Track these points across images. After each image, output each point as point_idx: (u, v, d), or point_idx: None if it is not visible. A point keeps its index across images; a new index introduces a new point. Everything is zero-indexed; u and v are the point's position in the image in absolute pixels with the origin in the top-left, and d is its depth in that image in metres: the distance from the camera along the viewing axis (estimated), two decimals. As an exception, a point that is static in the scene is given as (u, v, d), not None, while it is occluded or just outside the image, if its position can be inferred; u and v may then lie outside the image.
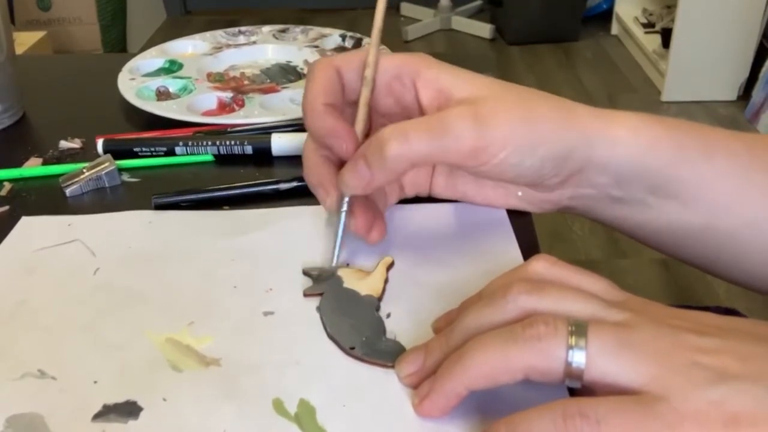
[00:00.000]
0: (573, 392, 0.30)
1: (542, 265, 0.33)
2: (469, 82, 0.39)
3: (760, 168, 0.38)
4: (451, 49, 2.84)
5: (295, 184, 0.48)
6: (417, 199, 0.47)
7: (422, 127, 0.36)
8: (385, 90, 0.41)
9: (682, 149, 0.38)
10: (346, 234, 0.40)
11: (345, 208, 0.40)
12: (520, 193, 0.43)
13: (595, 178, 0.39)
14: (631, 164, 0.38)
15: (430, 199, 0.47)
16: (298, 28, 0.76)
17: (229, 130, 0.56)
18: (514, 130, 0.37)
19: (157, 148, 0.54)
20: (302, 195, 0.48)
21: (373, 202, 0.42)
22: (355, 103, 0.41)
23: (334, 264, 0.40)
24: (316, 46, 0.71)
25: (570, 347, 0.28)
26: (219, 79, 0.67)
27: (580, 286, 0.32)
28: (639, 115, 0.39)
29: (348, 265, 0.41)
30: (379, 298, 0.38)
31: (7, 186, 0.51)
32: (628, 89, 2.46)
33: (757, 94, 2.17)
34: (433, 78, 0.39)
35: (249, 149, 0.53)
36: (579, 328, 0.28)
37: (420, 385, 0.32)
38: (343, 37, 0.73)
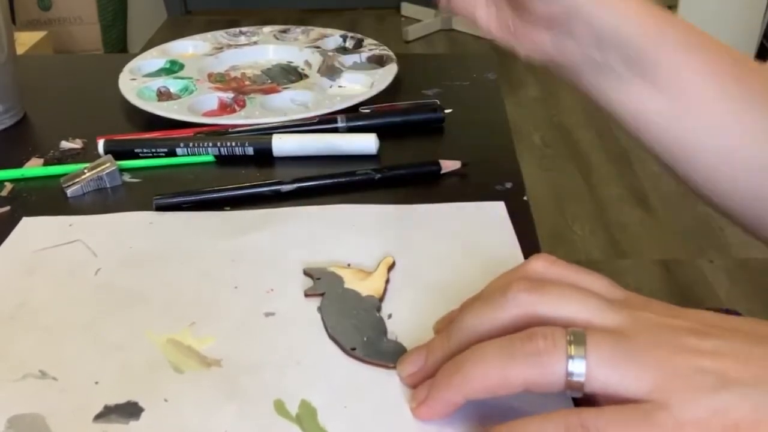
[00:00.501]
0: (575, 399, 0.30)
1: (542, 264, 0.33)
2: None
3: (735, 79, 0.38)
4: (451, 50, 2.84)
5: (296, 185, 0.48)
6: (417, 199, 0.47)
7: None
8: None
9: (664, 34, 0.38)
10: None
11: None
12: (510, 22, 0.42)
13: (578, 29, 0.39)
14: (612, 28, 0.38)
15: (430, 199, 0.47)
16: (299, 29, 0.76)
17: (230, 130, 0.56)
18: None
19: (158, 149, 0.54)
20: (303, 196, 0.48)
21: None
22: None
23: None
24: (317, 47, 0.71)
25: (569, 357, 0.27)
26: (220, 80, 0.67)
27: (580, 284, 0.31)
28: None
29: (349, 265, 0.41)
30: (380, 299, 0.38)
31: (8, 186, 0.51)
32: (629, 89, 2.46)
33: (757, 94, 2.17)
34: None
35: (250, 150, 0.53)
36: (577, 338, 0.28)
37: (419, 386, 0.32)
38: (344, 38, 0.73)
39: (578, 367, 0.27)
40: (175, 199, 0.47)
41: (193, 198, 0.48)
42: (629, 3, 0.38)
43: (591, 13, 0.38)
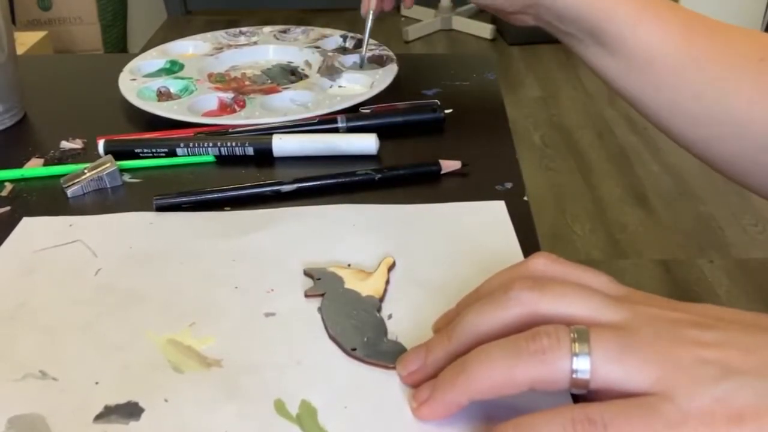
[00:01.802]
0: (577, 396, 0.30)
1: (542, 262, 0.33)
2: None
3: (686, 40, 0.44)
4: (451, 50, 2.84)
5: (296, 186, 0.48)
6: (417, 199, 0.47)
7: None
8: None
9: (612, 9, 0.45)
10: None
11: (371, 16, 0.62)
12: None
13: (543, 15, 0.49)
14: (569, 12, 0.47)
15: (430, 199, 0.47)
16: (299, 29, 0.76)
17: (230, 130, 0.56)
18: None
19: (158, 149, 0.54)
20: (303, 196, 0.48)
21: None
22: None
23: (364, 53, 0.65)
24: (317, 47, 0.71)
25: (574, 355, 0.28)
26: (220, 80, 0.67)
27: (581, 281, 0.32)
28: None
29: (349, 265, 0.41)
30: (381, 299, 0.38)
31: (8, 187, 0.51)
32: (629, 89, 2.46)
33: (757, 94, 2.17)
34: None
35: (250, 150, 0.53)
36: (581, 336, 0.28)
37: (420, 385, 0.32)
38: (344, 38, 0.73)
39: (583, 365, 0.27)
40: (175, 200, 0.47)
41: (193, 198, 0.48)
42: None
43: (551, 2, 0.48)
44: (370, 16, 0.62)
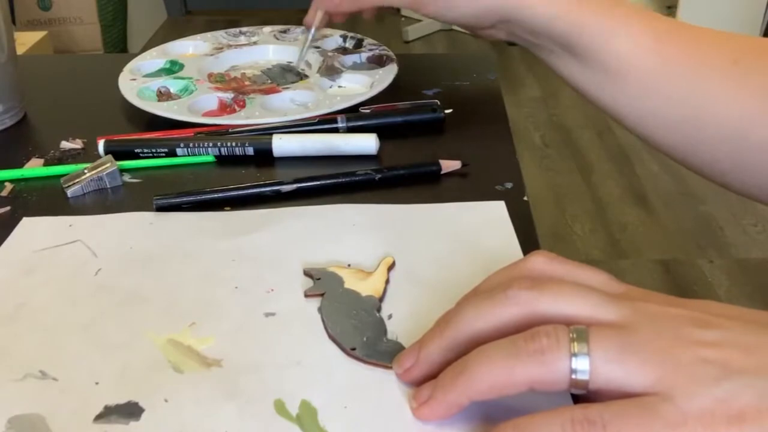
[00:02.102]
0: (576, 396, 0.30)
1: (540, 261, 0.33)
2: None
3: (658, 49, 0.44)
4: (451, 50, 2.84)
5: (296, 186, 0.48)
6: (417, 199, 0.47)
7: None
8: None
9: (584, 23, 0.46)
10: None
11: (311, 33, 0.64)
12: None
13: (515, 30, 0.49)
14: (541, 26, 0.47)
15: (430, 199, 0.47)
16: (299, 29, 0.76)
17: (230, 131, 0.56)
18: None
19: (158, 149, 0.54)
20: (304, 196, 0.48)
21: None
22: None
23: (299, 61, 0.63)
24: (317, 47, 0.71)
25: (573, 355, 0.27)
26: (220, 80, 0.67)
27: (580, 280, 0.31)
28: None
29: (349, 265, 0.41)
30: (380, 299, 0.38)
31: (8, 187, 0.51)
32: (629, 89, 2.46)
33: (757, 94, 2.17)
34: None
35: (250, 150, 0.53)
36: (580, 336, 0.28)
37: (419, 386, 0.32)
38: (344, 38, 0.73)
39: (582, 365, 0.27)
40: (175, 200, 0.47)
41: (193, 198, 0.48)
42: (553, 1, 0.47)
43: (522, 19, 0.48)
44: (312, 31, 0.64)
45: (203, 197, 0.48)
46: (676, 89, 0.44)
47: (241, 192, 0.48)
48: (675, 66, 0.44)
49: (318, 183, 0.49)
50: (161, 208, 0.47)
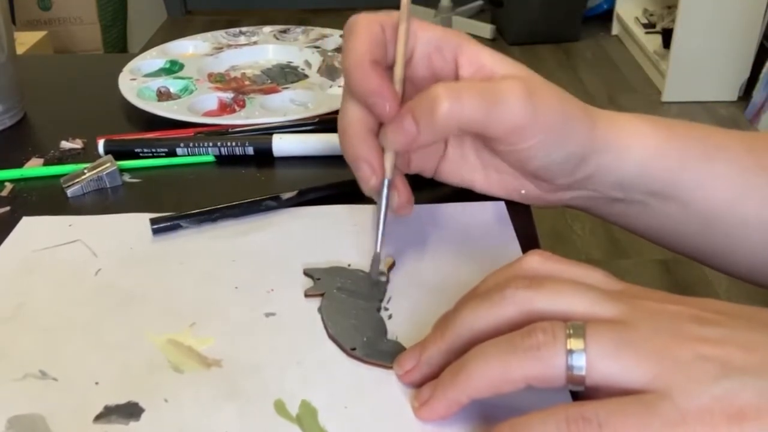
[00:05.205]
0: (576, 394, 0.30)
1: (537, 260, 0.33)
2: (508, 62, 0.39)
3: (760, 170, 0.39)
4: (451, 50, 2.84)
5: (295, 193, 0.47)
6: (417, 199, 0.47)
7: (476, 90, 0.36)
8: (425, 61, 0.39)
9: (684, 156, 0.39)
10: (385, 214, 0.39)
11: (387, 187, 0.39)
12: (523, 191, 0.43)
13: (601, 182, 0.40)
14: (636, 171, 0.39)
15: (430, 199, 0.47)
16: (299, 29, 0.76)
17: (230, 130, 0.56)
18: (556, 118, 0.37)
19: (158, 149, 0.54)
20: (303, 202, 0.48)
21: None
22: (390, 68, 0.39)
23: (378, 249, 0.39)
24: (317, 47, 0.71)
25: (569, 351, 0.27)
26: (220, 80, 0.67)
27: (577, 278, 0.31)
28: (646, 119, 0.40)
29: (349, 265, 0.41)
30: (381, 299, 0.38)
31: (8, 186, 0.51)
32: (629, 89, 2.46)
33: (757, 94, 2.17)
34: (475, 54, 0.39)
35: (250, 150, 0.53)
36: (577, 331, 0.28)
37: (420, 386, 0.32)
38: (344, 38, 0.73)
39: (578, 361, 0.27)
40: (172, 223, 0.45)
41: (189, 218, 0.45)
42: (646, 138, 0.39)
43: (614, 166, 0.39)
44: (386, 185, 0.39)
45: (201, 217, 0.45)
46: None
47: (238, 209, 0.46)
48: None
49: (318, 195, 0.47)
50: (159, 231, 0.44)
